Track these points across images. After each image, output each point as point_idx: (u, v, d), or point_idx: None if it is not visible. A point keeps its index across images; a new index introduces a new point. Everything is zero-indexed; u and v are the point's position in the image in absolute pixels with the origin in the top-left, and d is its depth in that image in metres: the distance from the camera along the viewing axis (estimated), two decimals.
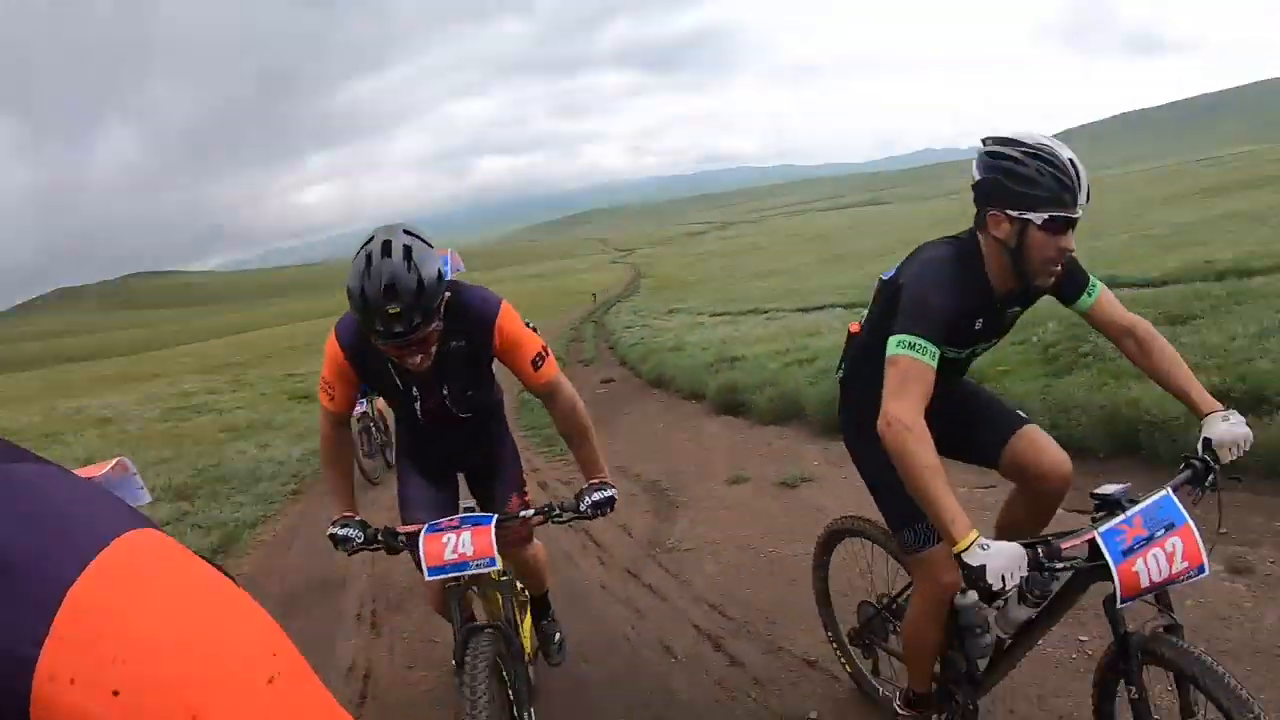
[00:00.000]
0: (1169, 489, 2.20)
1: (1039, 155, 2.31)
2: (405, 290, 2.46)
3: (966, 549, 2.06)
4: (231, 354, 42.61)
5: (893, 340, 2.36)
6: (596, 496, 2.90)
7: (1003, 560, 2.03)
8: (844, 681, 3.52)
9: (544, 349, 2.94)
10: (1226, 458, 2.32)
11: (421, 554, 2.74)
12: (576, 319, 36.03)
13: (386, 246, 2.50)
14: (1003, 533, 2.83)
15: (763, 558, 4.98)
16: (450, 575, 2.78)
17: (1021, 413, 2.92)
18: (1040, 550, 2.08)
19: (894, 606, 3.25)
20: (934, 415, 2.36)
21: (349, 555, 2.93)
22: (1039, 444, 2.79)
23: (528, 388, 2.97)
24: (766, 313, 24.04)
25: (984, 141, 2.45)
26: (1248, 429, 2.35)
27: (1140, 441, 5.29)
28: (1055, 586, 2.39)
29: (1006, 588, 2.03)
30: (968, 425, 2.83)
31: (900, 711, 3.01)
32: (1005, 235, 2.38)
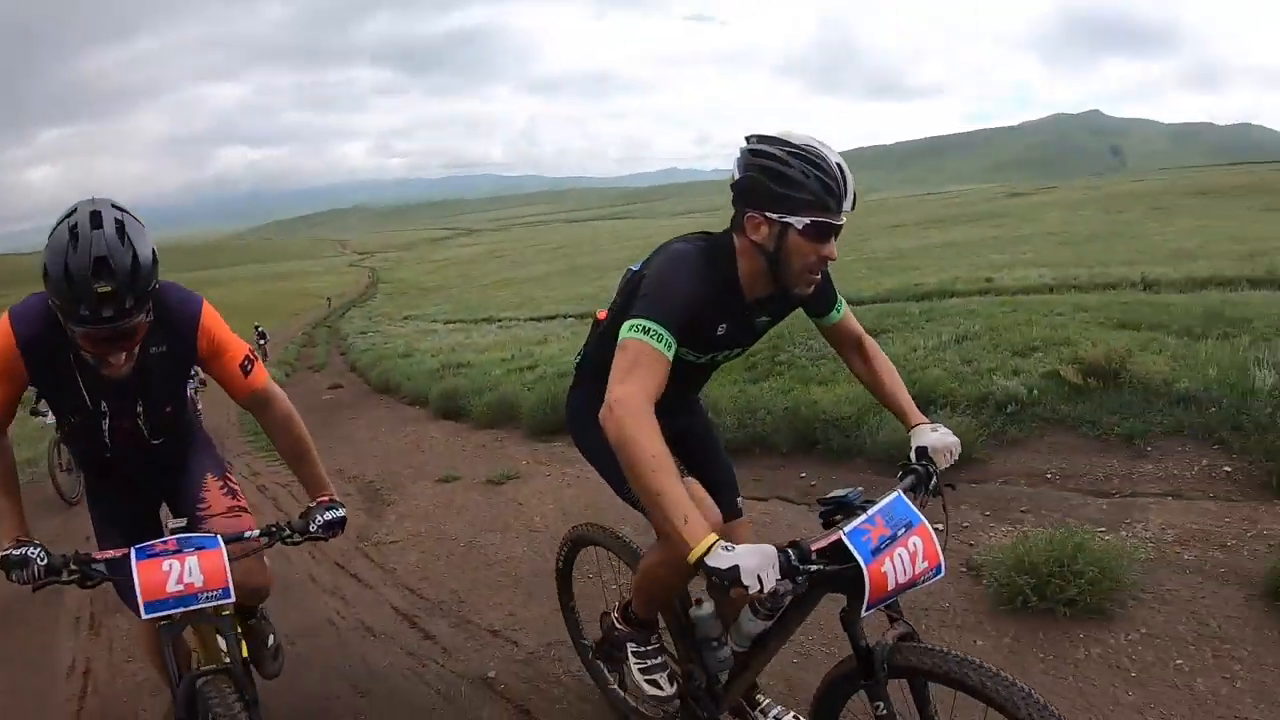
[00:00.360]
0: (899, 491, 2.12)
1: (804, 156, 2.13)
2: (119, 267, 2.11)
3: (708, 551, 1.83)
4: None
5: (626, 325, 2.14)
6: (328, 516, 2.63)
7: (756, 560, 1.80)
8: (523, 645, 3.99)
9: (252, 352, 2.65)
10: (943, 463, 2.33)
11: (137, 585, 2.25)
12: (309, 323, 34.75)
13: (96, 218, 2.15)
14: None
15: (462, 546, 5.43)
16: (173, 612, 2.32)
17: (741, 501, 2.83)
18: (791, 553, 1.88)
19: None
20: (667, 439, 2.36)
21: (32, 590, 2.32)
22: (740, 539, 2.55)
23: (237, 398, 2.66)
24: (500, 321, 24.46)
25: (747, 139, 2.25)
26: (956, 438, 2.37)
27: (817, 437, 5.95)
28: (787, 600, 2.31)
29: (764, 590, 1.80)
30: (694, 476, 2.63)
31: (617, 625, 2.95)
32: (763, 239, 2.20)
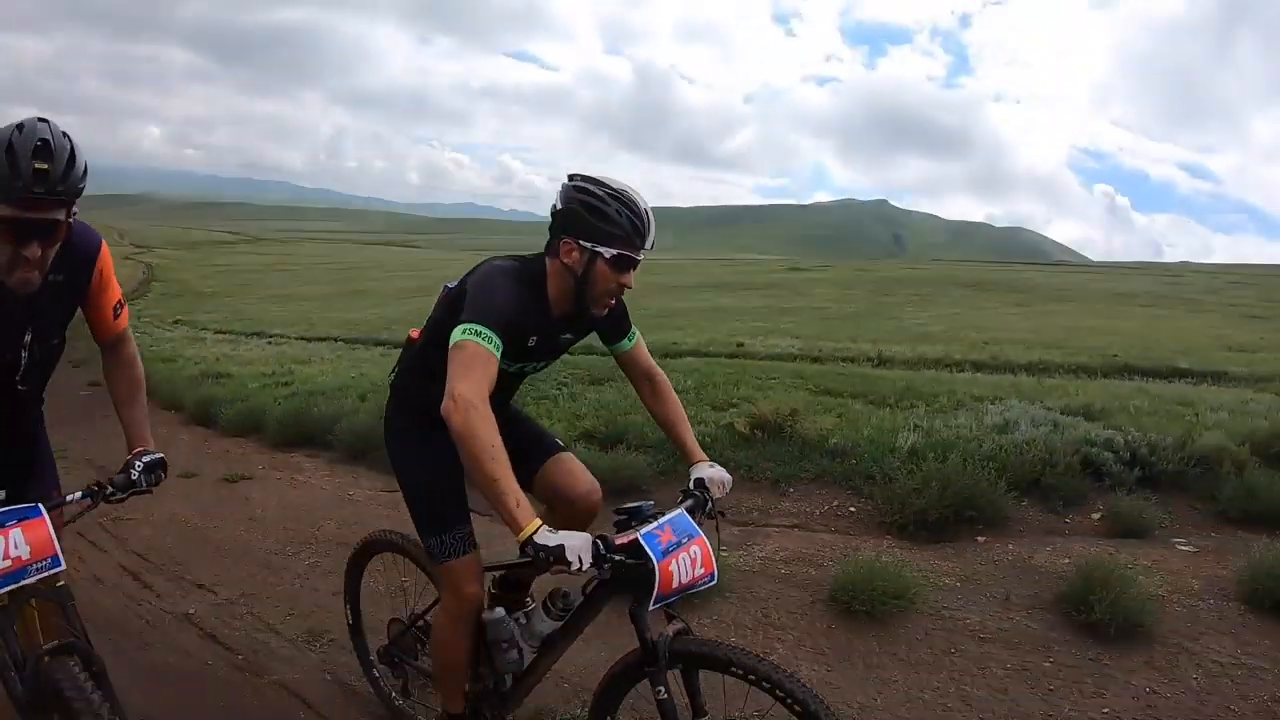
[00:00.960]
0: (682, 509, 2.38)
1: (620, 198, 2.39)
2: (59, 153, 2.17)
3: (536, 531, 2.03)
4: None
5: (457, 330, 2.28)
6: (147, 460, 2.56)
7: (578, 541, 2.03)
8: (221, 594, 4.97)
9: (123, 297, 2.71)
10: (718, 493, 2.59)
11: None
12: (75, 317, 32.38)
13: (43, 120, 2.23)
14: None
15: (189, 526, 6.26)
16: (5, 590, 2.20)
17: (560, 441, 3.00)
18: (599, 543, 2.10)
19: (423, 624, 3.20)
20: None
21: None
22: (573, 471, 2.89)
23: (100, 336, 2.69)
24: (271, 337, 23.89)
25: (570, 176, 2.48)
26: (729, 475, 2.66)
27: None
28: (577, 600, 2.55)
29: (584, 568, 2.03)
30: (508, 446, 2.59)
31: None
32: (574, 263, 2.42)
